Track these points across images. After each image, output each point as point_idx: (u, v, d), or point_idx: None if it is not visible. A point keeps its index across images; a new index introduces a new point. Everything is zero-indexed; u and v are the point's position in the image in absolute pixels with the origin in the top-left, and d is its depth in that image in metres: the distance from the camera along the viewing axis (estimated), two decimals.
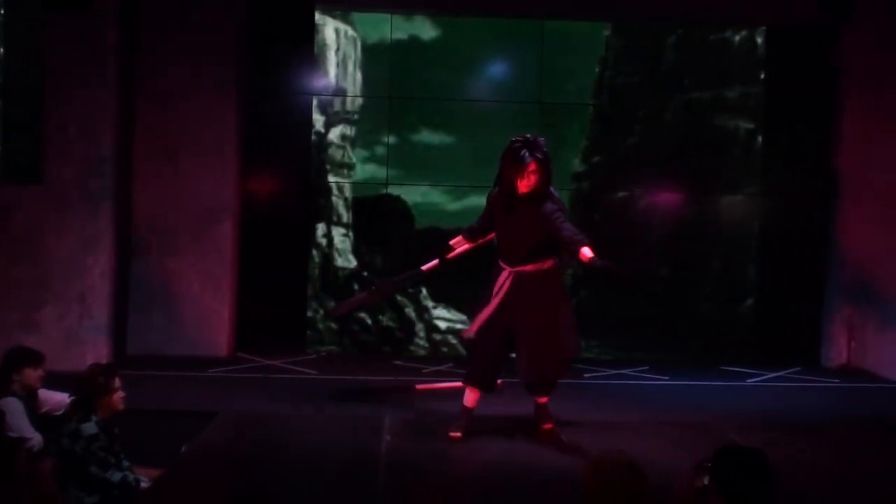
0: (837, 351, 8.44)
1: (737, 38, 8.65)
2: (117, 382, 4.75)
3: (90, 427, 4.58)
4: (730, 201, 8.71)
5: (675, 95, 8.60)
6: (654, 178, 8.65)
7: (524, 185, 5.35)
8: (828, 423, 6.39)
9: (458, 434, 5.61)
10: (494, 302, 5.57)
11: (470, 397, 5.74)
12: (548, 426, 5.73)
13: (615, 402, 6.80)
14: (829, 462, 5.45)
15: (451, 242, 5.91)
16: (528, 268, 5.50)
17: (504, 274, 5.55)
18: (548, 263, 5.51)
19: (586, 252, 5.12)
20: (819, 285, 8.57)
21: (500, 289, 5.55)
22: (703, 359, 8.39)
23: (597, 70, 8.64)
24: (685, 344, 8.56)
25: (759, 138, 8.60)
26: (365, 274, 8.57)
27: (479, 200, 8.60)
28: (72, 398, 4.77)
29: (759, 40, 8.61)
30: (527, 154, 5.31)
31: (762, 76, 8.60)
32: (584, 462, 3.13)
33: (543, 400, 5.79)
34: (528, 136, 5.44)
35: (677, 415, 6.49)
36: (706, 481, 3.05)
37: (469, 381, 5.75)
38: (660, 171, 8.63)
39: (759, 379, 7.87)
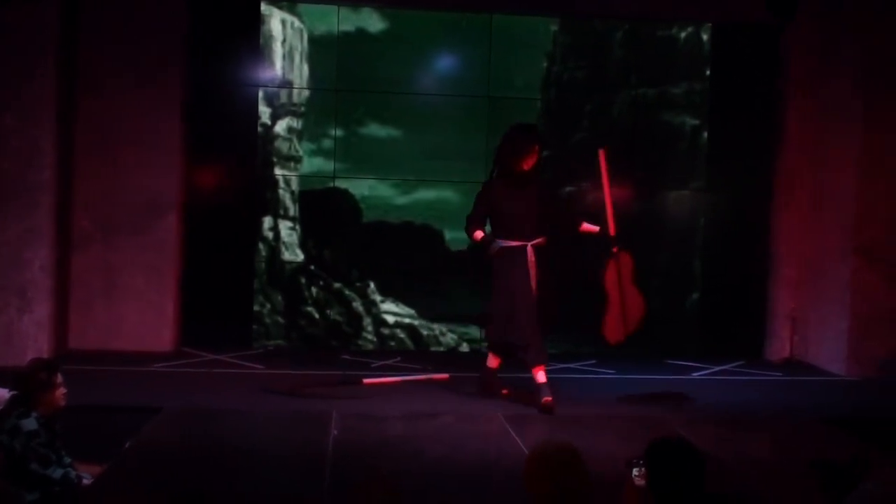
0: (780, 345, 8.61)
1: (683, 34, 8.77)
2: (59, 378, 4.69)
3: (30, 423, 4.52)
4: (676, 196, 8.83)
5: (622, 91, 8.69)
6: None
7: (528, 164, 6.29)
8: (770, 415, 6.51)
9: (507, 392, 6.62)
10: (532, 279, 6.30)
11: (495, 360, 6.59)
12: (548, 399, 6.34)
13: (562, 395, 6.85)
14: (770, 453, 5.56)
15: (480, 237, 6.40)
16: (540, 240, 6.37)
17: (529, 250, 6.30)
18: (545, 238, 6.41)
19: (588, 225, 6.53)
20: (762, 280, 8.73)
21: (529, 264, 6.29)
22: (650, 353, 8.50)
23: (544, 65, 8.69)
24: (631, 338, 8.63)
25: (705, 134, 8.73)
26: (312, 268, 8.55)
27: (426, 194, 8.67)
28: (12, 394, 4.71)
29: (705, 37, 8.73)
30: (528, 141, 6.30)
31: (708, 73, 8.72)
32: (528, 452, 3.18)
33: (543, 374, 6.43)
34: (527, 123, 6.61)
35: (622, 408, 6.57)
36: (636, 475, 3.10)
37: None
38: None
39: (703, 373, 7.99)
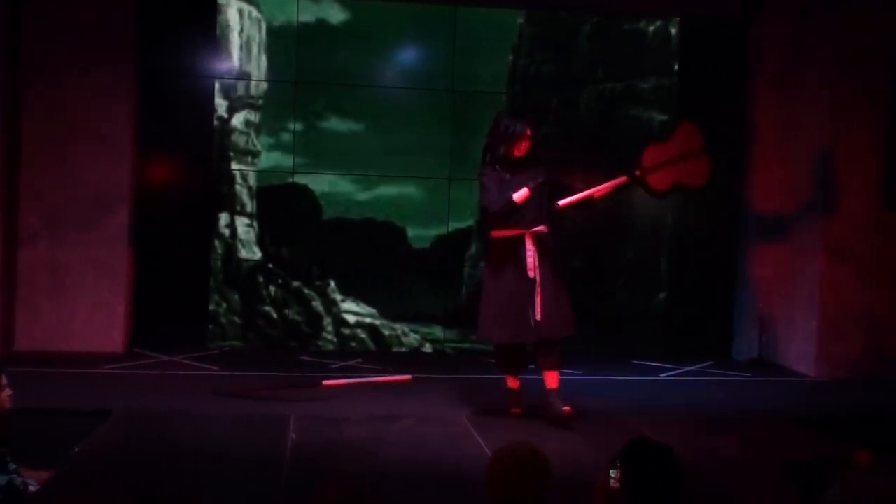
0: (749, 345, 8.67)
1: (651, 28, 8.80)
2: (4, 380, 4.60)
3: None
4: (643, 193, 8.80)
5: (589, 86, 8.70)
6: (568, 169, 8.73)
7: (520, 150, 5.97)
8: (739, 416, 6.55)
9: (519, 411, 6.17)
10: (532, 270, 5.88)
11: (512, 380, 6.20)
12: (567, 409, 5.97)
13: (526, 397, 6.85)
14: (740, 454, 5.59)
15: (525, 195, 5.89)
16: (542, 227, 6.00)
17: (528, 239, 5.92)
18: (548, 225, 6.06)
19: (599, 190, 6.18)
20: (731, 279, 8.79)
21: (528, 255, 5.90)
22: (616, 353, 8.53)
23: (510, 59, 8.69)
24: (598, 338, 8.68)
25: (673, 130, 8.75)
26: (270, 266, 8.49)
27: (388, 190, 8.64)
28: None
29: (674, 31, 8.77)
30: (519, 125, 5.97)
31: (676, 68, 8.76)
32: (491, 454, 3.16)
33: (555, 379, 6.05)
34: (514, 109, 6.25)
35: (588, 410, 6.57)
36: (613, 477, 3.09)
37: (508, 370, 6.18)
38: (573, 162, 8.72)
39: (671, 373, 8.03)
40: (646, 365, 8.26)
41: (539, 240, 5.98)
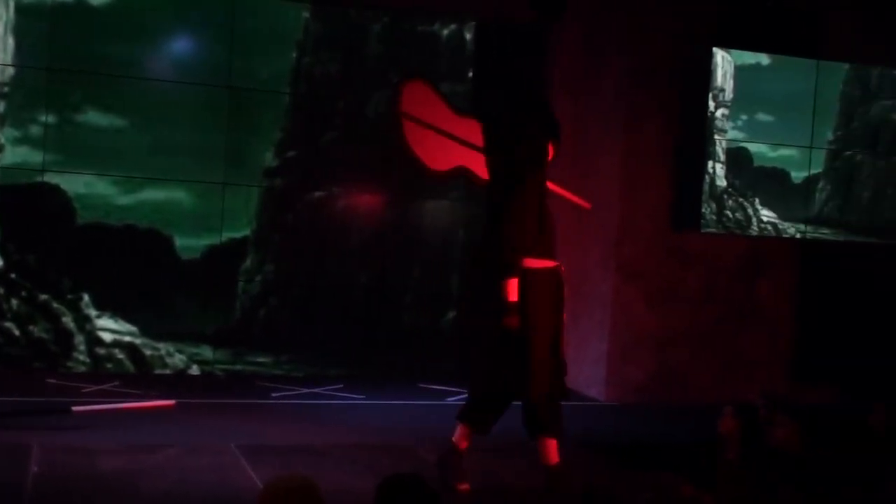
0: None
1: (445, 32, 9.00)
2: None
3: None
4: (434, 206, 9.02)
5: (380, 89, 8.79)
6: (355, 178, 8.80)
7: (555, 150, 5.32)
8: (525, 442, 6.75)
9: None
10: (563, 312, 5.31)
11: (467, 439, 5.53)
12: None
13: (304, 423, 6.84)
14: (529, 481, 5.76)
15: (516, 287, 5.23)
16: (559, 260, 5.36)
17: (562, 273, 5.35)
18: None
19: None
20: None
21: (562, 291, 5.33)
22: (402, 375, 8.63)
23: (294, 56, 8.68)
24: (383, 359, 8.77)
25: None
26: (13, 276, 8.09)
27: (153, 194, 8.42)
28: None
29: (468, 36, 9.00)
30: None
31: (470, 74, 8.99)
32: (261, 487, 3.14)
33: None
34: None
35: (371, 437, 6.62)
36: None
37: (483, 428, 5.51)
38: (361, 171, 8.79)
39: (459, 398, 8.15)
40: (433, 388, 8.40)
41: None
